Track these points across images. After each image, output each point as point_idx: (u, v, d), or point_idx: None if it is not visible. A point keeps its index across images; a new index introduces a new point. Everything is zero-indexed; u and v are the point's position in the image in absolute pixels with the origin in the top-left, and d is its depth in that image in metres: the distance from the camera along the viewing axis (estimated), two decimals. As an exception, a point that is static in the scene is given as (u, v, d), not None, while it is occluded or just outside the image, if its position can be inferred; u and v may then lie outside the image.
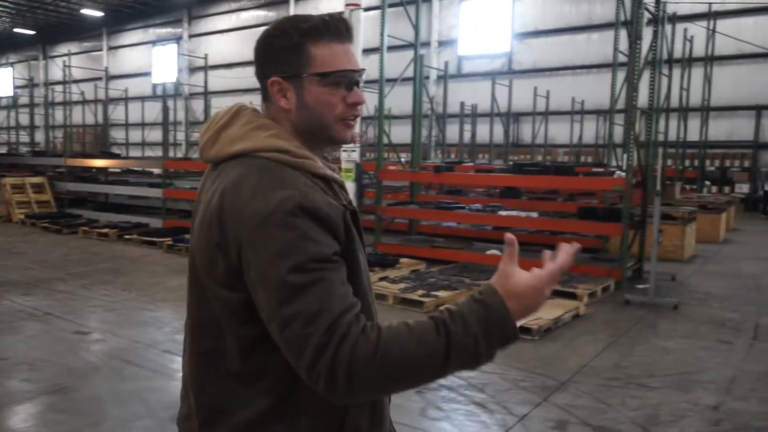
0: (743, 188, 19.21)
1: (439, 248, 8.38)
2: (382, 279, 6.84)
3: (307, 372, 0.99)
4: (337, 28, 1.17)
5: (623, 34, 14.10)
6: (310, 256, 1.01)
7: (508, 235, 1.07)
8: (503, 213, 7.79)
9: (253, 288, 1.04)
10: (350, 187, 8.65)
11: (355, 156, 8.60)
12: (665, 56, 12.63)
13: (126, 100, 29.73)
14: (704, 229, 11.50)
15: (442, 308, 1.07)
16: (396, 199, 11.65)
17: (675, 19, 13.27)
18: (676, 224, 9.29)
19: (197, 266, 1.15)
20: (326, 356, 0.97)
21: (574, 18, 23.01)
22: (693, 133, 19.83)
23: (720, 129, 20.14)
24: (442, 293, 6.17)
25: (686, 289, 7.18)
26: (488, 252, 8.01)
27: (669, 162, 17.45)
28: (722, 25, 19.78)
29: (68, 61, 24.83)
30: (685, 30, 14.38)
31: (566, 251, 1.08)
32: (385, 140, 8.97)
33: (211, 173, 1.20)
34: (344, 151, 8.66)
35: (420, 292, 6.22)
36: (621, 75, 10.17)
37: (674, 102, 15.41)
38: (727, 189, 19.69)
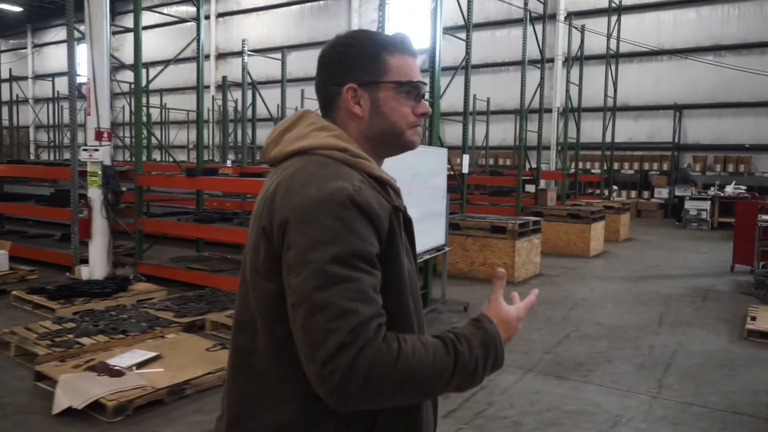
0: (662, 193, 17.90)
1: (194, 270, 6.80)
2: (78, 313, 5.28)
3: (320, 366, 0.97)
4: (408, 43, 1.24)
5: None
6: (353, 250, 1.02)
7: (499, 270, 1.21)
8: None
9: (287, 270, 1.04)
10: (95, 194, 7.06)
11: (101, 156, 6.98)
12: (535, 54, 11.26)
13: (56, 99, 27.47)
14: (572, 241, 10.09)
15: (447, 330, 1.11)
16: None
17: (542, 15, 11.85)
18: (506, 239, 7.80)
19: (246, 260, 1.16)
20: (346, 356, 0.96)
21: (493, 13, 21.75)
22: (617, 135, 18.61)
23: (642, 130, 18.91)
24: (87, 341, 4.57)
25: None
26: (243, 276, 6.44)
27: (557, 165, 16.17)
28: (641, 19, 18.60)
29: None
30: (570, 25, 12.99)
31: (535, 293, 1.26)
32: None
33: (272, 173, 1.21)
34: (85, 150, 7.04)
35: (67, 337, 4.63)
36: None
37: (593, 102, 14.12)
38: (646, 194, 18.43)
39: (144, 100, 9.07)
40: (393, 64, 1.20)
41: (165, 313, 5.38)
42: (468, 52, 8.98)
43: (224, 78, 14.68)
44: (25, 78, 34.70)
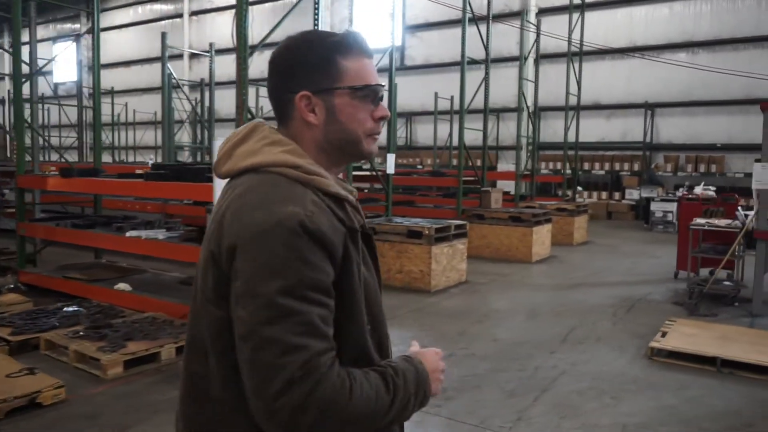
0: (634, 194, 17.31)
1: (70, 279, 6.23)
2: None
3: (269, 401, 0.95)
4: (363, 43, 1.17)
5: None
6: (304, 281, 0.98)
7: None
8: (131, 234, 5.69)
9: (235, 300, 1.00)
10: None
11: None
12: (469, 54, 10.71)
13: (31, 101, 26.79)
14: (514, 245, 9.54)
15: (386, 362, 1.12)
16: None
17: (485, 15, 11.28)
18: (422, 244, 7.23)
19: (196, 283, 1.12)
20: (297, 393, 0.94)
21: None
22: (590, 134, 18.06)
23: (614, 129, 18.34)
24: None
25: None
26: (116, 287, 5.89)
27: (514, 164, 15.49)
28: (613, 15, 18.08)
29: None
30: (521, 25, 12.44)
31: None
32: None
33: (225, 189, 1.17)
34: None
35: None
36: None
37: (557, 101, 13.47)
38: (617, 195, 17.85)
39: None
40: (348, 68, 1.14)
41: (2, 330, 4.82)
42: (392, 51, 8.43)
43: (169, 76, 14.12)
44: (2, 77, 34.20)
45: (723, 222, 6.91)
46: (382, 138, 9.66)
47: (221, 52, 28.35)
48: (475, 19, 10.52)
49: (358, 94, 1.14)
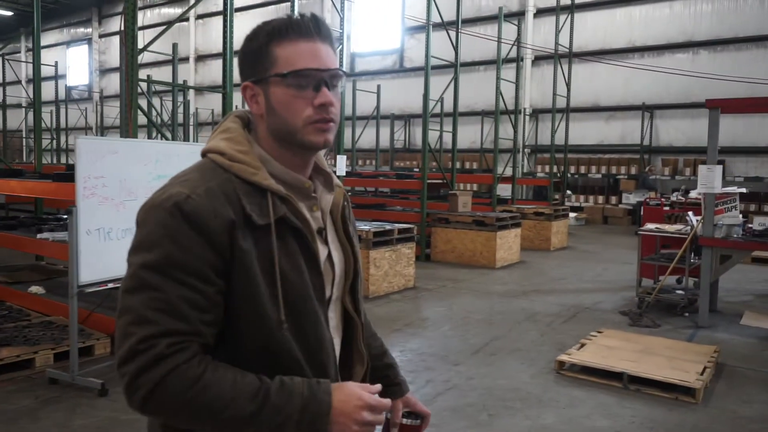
0: (630, 198, 16.80)
1: (-8, 283, 6.16)
2: None
3: (117, 364, 0.97)
4: (303, 25, 1.11)
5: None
6: (170, 260, 0.98)
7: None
8: (41, 236, 5.58)
9: None
10: None
11: None
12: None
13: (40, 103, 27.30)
14: (478, 250, 9.25)
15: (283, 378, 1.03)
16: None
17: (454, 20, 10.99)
18: (360, 248, 6.99)
19: None
20: (134, 365, 0.95)
21: (464, 10, 20.89)
22: (588, 136, 17.67)
23: (613, 131, 17.86)
24: None
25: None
26: (29, 290, 5.79)
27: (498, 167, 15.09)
28: (612, 16, 17.63)
29: None
30: (500, 27, 12.15)
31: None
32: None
33: None
34: None
35: None
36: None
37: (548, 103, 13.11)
38: (614, 199, 17.36)
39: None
40: (279, 55, 1.09)
41: None
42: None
43: (148, 80, 14.14)
44: (18, 82, 34.87)
45: (673, 227, 6.54)
46: (347, 141, 9.43)
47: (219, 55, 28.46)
48: (454, 24, 10.25)
49: (290, 81, 1.09)
